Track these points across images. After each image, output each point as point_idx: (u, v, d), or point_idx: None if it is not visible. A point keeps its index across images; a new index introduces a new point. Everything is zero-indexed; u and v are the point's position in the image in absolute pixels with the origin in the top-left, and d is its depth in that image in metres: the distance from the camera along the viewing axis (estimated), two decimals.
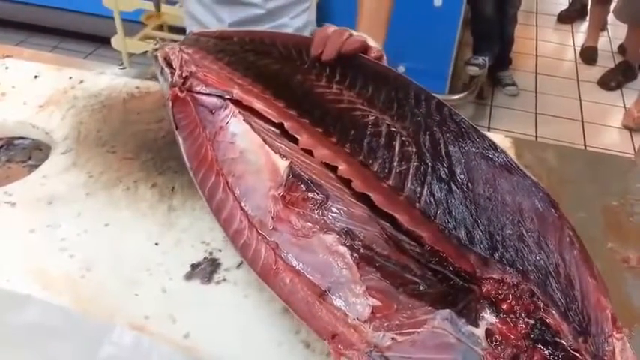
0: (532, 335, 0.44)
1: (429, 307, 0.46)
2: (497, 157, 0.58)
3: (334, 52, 0.74)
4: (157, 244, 0.64)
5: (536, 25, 3.42)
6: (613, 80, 2.83)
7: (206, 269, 0.62)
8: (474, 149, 0.59)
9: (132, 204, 0.70)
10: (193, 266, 0.62)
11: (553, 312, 0.45)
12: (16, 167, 0.78)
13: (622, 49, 3.06)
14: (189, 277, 0.61)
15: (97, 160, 0.76)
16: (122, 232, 0.66)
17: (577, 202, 0.59)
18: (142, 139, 0.80)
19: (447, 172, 0.57)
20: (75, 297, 0.58)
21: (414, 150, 0.61)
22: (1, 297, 0.57)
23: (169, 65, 0.77)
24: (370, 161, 0.61)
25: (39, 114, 0.84)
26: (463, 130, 0.62)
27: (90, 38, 2.84)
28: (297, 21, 1.11)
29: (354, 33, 0.76)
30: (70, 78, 0.92)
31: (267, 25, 1.08)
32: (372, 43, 0.77)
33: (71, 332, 0.55)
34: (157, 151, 0.78)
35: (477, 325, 0.44)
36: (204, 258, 0.63)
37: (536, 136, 2.46)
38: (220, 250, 0.64)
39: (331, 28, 0.76)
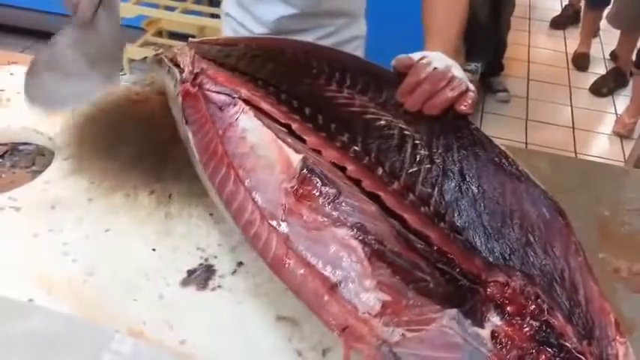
0: (537, 337, 0.44)
1: (437, 306, 0.47)
2: (508, 166, 0.59)
3: (418, 104, 0.66)
4: (154, 250, 0.65)
5: (529, 31, 3.44)
6: (605, 87, 2.85)
7: (201, 276, 0.62)
8: (485, 156, 0.60)
9: (131, 210, 0.70)
10: (189, 272, 0.62)
11: (558, 315, 0.46)
12: (20, 172, 0.78)
13: (614, 55, 3.07)
14: (185, 283, 0.61)
15: (98, 166, 0.76)
16: (122, 238, 0.66)
17: (569, 212, 0.59)
18: (142, 145, 0.80)
19: (458, 176, 0.59)
20: (77, 302, 0.58)
21: (427, 153, 0.62)
22: (3, 305, 0.57)
23: (177, 65, 0.77)
24: (378, 164, 0.62)
25: (43, 120, 0.84)
26: (476, 137, 0.63)
27: None
28: (344, 33, 1.04)
29: (456, 73, 0.67)
30: None
31: (311, 34, 1.01)
32: (470, 85, 0.68)
33: (72, 340, 0.55)
34: (156, 157, 0.78)
35: (482, 327, 0.45)
36: (200, 264, 0.63)
37: (526, 143, 2.47)
38: (216, 257, 0.64)
39: (430, 67, 0.67)
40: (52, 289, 0.59)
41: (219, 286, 0.61)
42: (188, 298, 0.60)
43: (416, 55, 0.70)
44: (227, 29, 1.09)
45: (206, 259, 0.64)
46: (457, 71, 0.68)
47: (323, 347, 0.54)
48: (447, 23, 0.80)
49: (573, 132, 2.59)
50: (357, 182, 0.61)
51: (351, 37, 1.06)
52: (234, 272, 0.62)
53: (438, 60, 0.68)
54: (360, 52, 1.09)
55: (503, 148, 0.83)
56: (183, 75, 0.73)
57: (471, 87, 0.68)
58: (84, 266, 0.62)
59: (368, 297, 0.49)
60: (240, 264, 0.63)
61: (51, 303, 0.58)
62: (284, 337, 0.56)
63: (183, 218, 0.69)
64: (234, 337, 0.56)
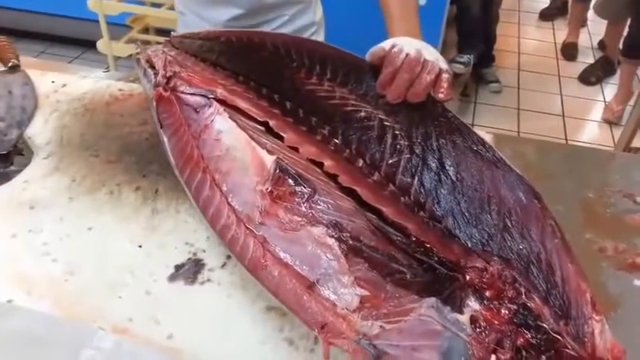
0: (515, 320, 0.45)
1: (416, 296, 0.47)
2: (485, 152, 0.59)
3: (402, 94, 0.66)
4: (140, 246, 0.64)
5: (519, 23, 3.47)
6: (593, 75, 2.88)
7: (190, 270, 0.62)
8: (463, 144, 0.60)
9: (115, 207, 0.69)
10: (177, 267, 0.62)
11: (535, 297, 0.46)
12: None
13: (602, 44, 3.11)
14: (173, 278, 0.61)
15: (79, 164, 0.76)
16: (105, 236, 0.66)
17: (556, 195, 0.59)
18: (125, 142, 0.80)
19: (437, 164, 0.59)
20: (58, 301, 0.58)
21: (407, 143, 0.62)
22: None
23: (152, 67, 0.77)
24: (358, 155, 0.62)
25: None
26: (453, 125, 0.63)
27: (76, 42, 2.81)
28: (298, 21, 1.06)
29: (427, 57, 0.66)
30: (53, 82, 0.92)
31: (266, 27, 1.03)
32: (443, 64, 0.67)
33: (52, 339, 0.55)
34: (141, 153, 0.78)
35: (461, 312, 0.45)
36: (189, 259, 0.63)
37: (518, 132, 2.49)
38: (204, 251, 0.64)
39: (402, 54, 0.67)
40: (31, 290, 0.59)
41: (208, 280, 0.60)
42: (176, 293, 0.59)
43: (387, 44, 0.70)
44: (182, 27, 1.10)
45: (194, 254, 0.63)
46: (428, 53, 0.68)
47: (314, 335, 0.54)
48: (405, 7, 0.80)
49: (564, 120, 2.61)
50: (334, 177, 0.61)
51: (306, 24, 1.07)
52: (223, 265, 0.62)
53: (408, 45, 0.68)
54: (319, 38, 1.10)
55: (490, 136, 0.84)
56: (157, 79, 0.73)
57: (444, 67, 0.67)
58: (64, 265, 0.62)
59: (346, 293, 0.49)
60: (229, 257, 0.63)
61: (31, 303, 0.57)
62: (275, 327, 0.55)
63: (171, 213, 0.68)
64: (223, 330, 0.56)
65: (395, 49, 0.68)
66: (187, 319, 0.57)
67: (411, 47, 0.67)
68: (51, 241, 0.65)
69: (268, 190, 0.58)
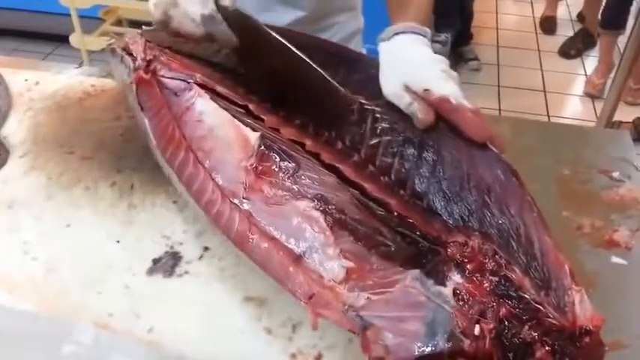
0: (497, 291, 0.45)
1: (400, 268, 0.48)
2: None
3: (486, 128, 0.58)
4: (118, 241, 0.64)
5: None
6: (573, 48, 2.87)
7: (167, 263, 0.62)
8: (441, 123, 0.60)
9: (92, 203, 0.69)
10: (155, 261, 0.62)
11: (515, 269, 0.47)
12: None
13: (581, 16, 3.09)
14: (151, 272, 0.61)
15: (55, 161, 0.75)
16: (83, 232, 0.65)
17: (531, 173, 0.58)
18: (100, 137, 0.79)
19: (417, 144, 0.59)
20: (38, 299, 0.58)
21: (387, 126, 0.62)
22: None
23: (129, 54, 0.76)
24: (338, 139, 0.62)
25: None
26: None
27: (49, 38, 2.75)
28: (347, 29, 1.02)
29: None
30: (26, 80, 0.90)
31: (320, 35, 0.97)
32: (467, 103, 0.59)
33: (33, 335, 0.55)
34: (116, 149, 0.77)
35: (444, 285, 0.46)
36: (166, 252, 0.63)
37: (499, 110, 2.48)
38: (181, 244, 0.64)
39: (460, 105, 0.58)
40: (12, 290, 0.58)
41: (186, 272, 0.60)
42: (155, 286, 0.59)
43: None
44: None
45: (172, 247, 0.63)
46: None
47: (292, 323, 0.55)
48: None
49: (545, 95, 2.61)
50: (316, 156, 0.61)
51: (353, 31, 1.04)
52: (200, 257, 0.62)
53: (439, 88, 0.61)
54: (359, 46, 1.07)
55: None
56: (137, 63, 0.72)
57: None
58: (44, 264, 0.61)
59: (332, 265, 0.49)
60: (206, 249, 0.63)
61: (12, 303, 0.57)
62: (253, 317, 0.56)
63: (147, 207, 0.68)
64: (202, 321, 0.56)
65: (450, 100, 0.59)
66: (167, 312, 0.57)
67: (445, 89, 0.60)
68: (30, 239, 0.64)
69: (253, 166, 0.58)
